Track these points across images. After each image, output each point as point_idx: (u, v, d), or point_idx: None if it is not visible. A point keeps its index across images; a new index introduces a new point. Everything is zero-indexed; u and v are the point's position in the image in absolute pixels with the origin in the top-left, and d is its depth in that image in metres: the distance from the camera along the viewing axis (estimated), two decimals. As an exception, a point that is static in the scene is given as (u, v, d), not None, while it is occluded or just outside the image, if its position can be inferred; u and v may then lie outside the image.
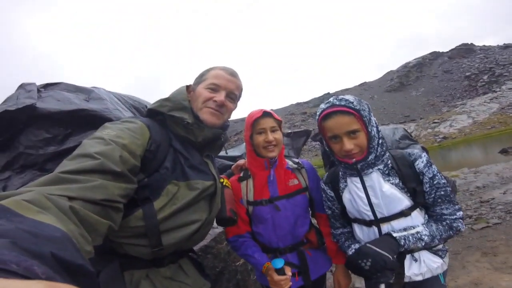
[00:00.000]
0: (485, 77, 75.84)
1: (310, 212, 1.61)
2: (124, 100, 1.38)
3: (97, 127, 0.98)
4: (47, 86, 1.19)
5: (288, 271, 1.35)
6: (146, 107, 1.44)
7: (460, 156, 20.63)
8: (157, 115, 1.09)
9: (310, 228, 1.56)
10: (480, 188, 6.77)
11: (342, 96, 1.25)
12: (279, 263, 1.34)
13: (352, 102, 1.21)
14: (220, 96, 1.13)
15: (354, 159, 1.23)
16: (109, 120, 1.08)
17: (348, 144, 1.20)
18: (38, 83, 1.18)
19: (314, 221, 1.63)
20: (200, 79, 1.19)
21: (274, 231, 1.48)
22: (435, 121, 56.16)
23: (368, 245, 1.17)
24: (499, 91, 62.99)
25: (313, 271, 1.48)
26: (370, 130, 1.21)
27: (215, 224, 1.29)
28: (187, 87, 1.19)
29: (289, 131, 2.11)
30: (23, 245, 0.38)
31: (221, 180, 1.30)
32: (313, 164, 1.69)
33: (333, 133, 1.24)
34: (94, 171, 0.74)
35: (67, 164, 0.74)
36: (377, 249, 1.13)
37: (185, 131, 1.07)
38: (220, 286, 2.31)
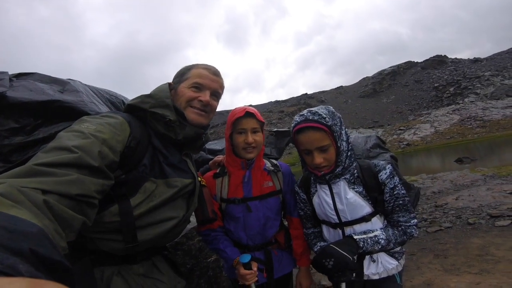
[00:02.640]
0: (452, 89, 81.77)
1: (282, 213, 1.65)
2: (100, 93, 1.35)
3: (70, 120, 0.95)
4: (20, 75, 1.14)
5: (254, 267, 1.41)
6: (123, 101, 1.43)
7: (420, 162, 22.13)
8: (137, 111, 1.07)
9: (280, 229, 1.60)
10: (435, 193, 7.33)
11: (316, 110, 1.30)
12: (246, 258, 1.40)
13: (325, 118, 1.26)
14: (206, 96, 1.15)
15: (323, 172, 1.32)
16: (84, 113, 1.05)
17: (318, 159, 1.29)
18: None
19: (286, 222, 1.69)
20: (181, 78, 1.17)
21: (244, 230, 1.51)
22: (401, 128, 59.63)
23: (331, 245, 1.26)
24: (462, 103, 68.03)
25: (277, 269, 1.54)
26: (339, 145, 1.29)
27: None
28: (169, 84, 1.18)
29: (275, 129, 2.13)
30: (1, 241, 0.37)
31: (199, 179, 1.31)
32: (287, 162, 1.73)
33: (304, 147, 1.31)
34: (71, 165, 0.72)
35: (42, 157, 0.71)
36: (340, 250, 1.23)
37: (166, 128, 1.06)
38: (191, 283, 2.30)
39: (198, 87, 1.15)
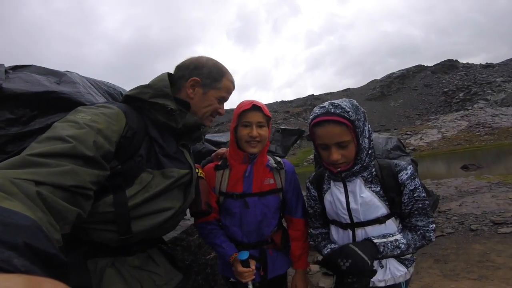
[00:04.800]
0: (461, 94, 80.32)
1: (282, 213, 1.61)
2: (97, 85, 1.35)
3: (67, 110, 0.94)
4: (16, 68, 1.15)
5: (253, 265, 1.39)
6: (121, 93, 1.42)
7: (425, 168, 21.82)
8: (135, 102, 1.06)
9: (278, 229, 1.56)
10: (439, 199, 7.25)
11: (339, 102, 1.20)
12: (244, 255, 1.37)
13: (348, 112, 1.16)
14: (223, 109, 1.25)
15: (339, 169, 1.24)
16: (81, 103, 1.04)
17: (336, 155, 1.20)
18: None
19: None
20: (213, 83, 1.18)
21: (240, 226, 1.48)
22: (408, 132, 58.91)
23: (351, 245, 1.18)
24: (471, 109, 66.61)
25: (270, 270, 1.51)
26: (361, 142, 1.20)
27: (187, 216, 1.31)
28: (169, 74, 1.17)
29: (283, 127, 2.12)
30: None
31: (196, 170, 1.31)
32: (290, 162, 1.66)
33: (322, 141, 1.22)
34: (65, 155, 0.70)
35: (35, 147, 0.69)
36: (359, 252, 1.14)
37: (166, 117, 1.06)
38: (189, 279, 2.31)
39: (222, 100, 1.22)
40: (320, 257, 1.35)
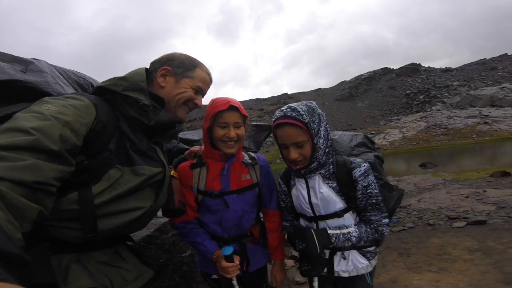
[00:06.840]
0: (422, 96, 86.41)
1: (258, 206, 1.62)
2: (67, 75, 1.27)
3: (32, 101, 0.88)
4: None
5: (237, 260, 1.39)
6: (92, 84, 1.36)
7: (387, 166, 23.26)
8: (107, 94, 1.01)
9: (256, 223, 1.59)
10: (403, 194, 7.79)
11: (295, 106, 1.31)
12: (228, 250, 1.38)
13: (302, 115, 1.27)
14: (201, 101, 1.20)
15: (298, 166, 1.35)
16: (47, 94, 0.98)
17: (294, 154, 1.31)
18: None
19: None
20: (185, 71, 1.14)
21: (220, 223, 1.48)
22: (372, 132, 62.19)
23: (312, 231, 1.32)
24: (429, 111, 71.80)
25: (252, 263, 1.53)
26: (316, 142, 1.30)
27: (160, 214, 1.26)
28: (147, 69, 1.14)
29: (254, 123, 2.12)
30: None
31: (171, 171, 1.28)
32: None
33: (282, 141, 1.35)
34: (26, 149, 0.66)
35: None
36: (315, 239, 1.28)
37: (138, 112, 1.01)
38: (164, 278, 2.27)
39: (198, 90, 1.17)
40: (295, 252, 1.45)
